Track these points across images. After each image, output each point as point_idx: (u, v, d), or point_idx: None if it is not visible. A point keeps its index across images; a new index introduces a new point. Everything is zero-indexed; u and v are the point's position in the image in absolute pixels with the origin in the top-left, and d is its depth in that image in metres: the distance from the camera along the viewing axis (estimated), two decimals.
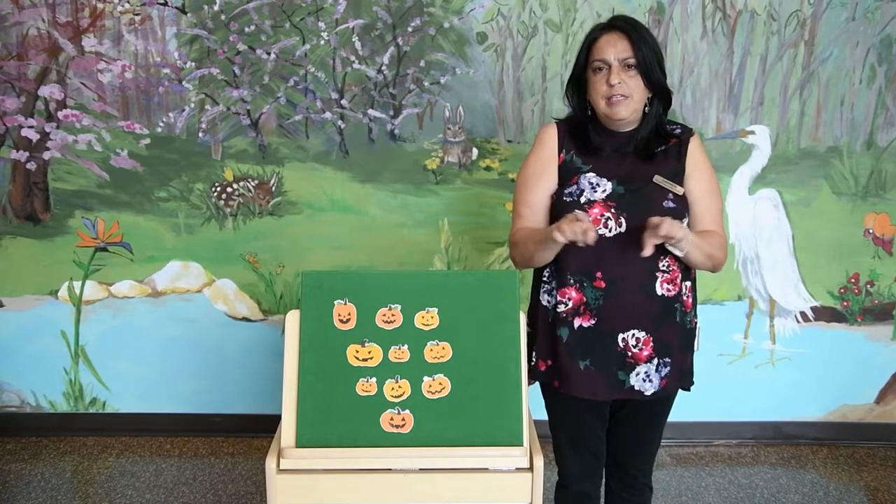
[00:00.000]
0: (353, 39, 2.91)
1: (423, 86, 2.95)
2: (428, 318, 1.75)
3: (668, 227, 1.65)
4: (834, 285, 3.13)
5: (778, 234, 3.07)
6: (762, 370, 3.18)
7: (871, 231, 3.08)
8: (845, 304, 3.14)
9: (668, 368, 1.84)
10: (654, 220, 1.67)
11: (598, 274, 1.78)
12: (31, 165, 3.02)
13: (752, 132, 2.98)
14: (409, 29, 2.90)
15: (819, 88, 2.96)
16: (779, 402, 3.20)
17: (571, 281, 1.81)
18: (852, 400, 3.22)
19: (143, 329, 3.15)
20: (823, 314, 3.16)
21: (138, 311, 3.14)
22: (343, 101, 2.97)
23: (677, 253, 1.76)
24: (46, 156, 3.01)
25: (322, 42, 2.92)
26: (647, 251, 1.69)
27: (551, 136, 1.89)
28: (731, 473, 2.99)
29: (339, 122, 2.99)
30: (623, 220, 1.77)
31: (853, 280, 3.12)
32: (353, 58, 2.93)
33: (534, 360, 1.91)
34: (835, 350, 3.16)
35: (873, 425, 3.23)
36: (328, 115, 2.98)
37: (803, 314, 3.15)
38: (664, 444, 2.06)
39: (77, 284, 3.12)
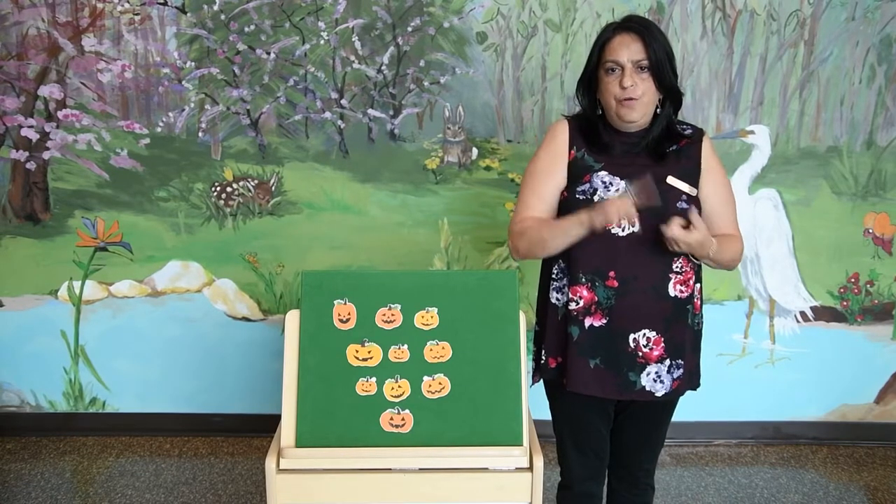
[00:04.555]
0: (353, 39, 2.91)
1: (423, 86, 2.95)
2: (428, 318, 1.75)
3: (677, 234, 1.68)
4: (834, 285, 3.13)
5: (778, 234, 3.07)
6: (762, 370, 3.18)
7: (870, 231, 3.08)
8: (845, 303, 3.14)
9: (682, 370, 1.84)
10: (670, 229, 1.69)
11: (611, 273, 1.78)
12: (31, 165, 3.02)
13: (752, 132, 2.98)
14: (409, 29, 2.90)
15: (819, 88, 2.96)
16: (779, 402, 3.20)
17: (583, 280, 1.80)
18: (852, 400, 3.22)
19: (143, 329, 3.15)
20: (823, 314, 3.16)
21: (138, 311, 3.14)
22: (343, 101, 2.97)
23: (702, 261, 1.80)
24: (46, 155, 3.01)
25: (322, 42, 2.92)
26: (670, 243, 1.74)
27: (563, 132, 1.88)
28: (731, 473, 2.99)
29: (339, 122, 2.99)
30: (636, 219, 1.77)
31: (853, 280, 3.12)
32: (352, 58, 2.93)
33: (543, 357, 1.91)
34: (835, 350, 3.16)
35: (873, 425, 3.23)
36: (328, 114, 2.98)
37: (803, 314, 3.15)
38: (664, 443, 2.06)
39: (77, 284, 3.12)
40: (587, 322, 1.81)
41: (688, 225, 1.71)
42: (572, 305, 1.82)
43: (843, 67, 2.94)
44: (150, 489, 2.82)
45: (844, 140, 3.00)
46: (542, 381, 1.96)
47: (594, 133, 1.85)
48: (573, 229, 1.75)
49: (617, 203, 1.68)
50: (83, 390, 3.20)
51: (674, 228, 1.68)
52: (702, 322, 1.93)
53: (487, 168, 3.02)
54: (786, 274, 3.11)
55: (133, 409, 3.22)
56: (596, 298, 1.80)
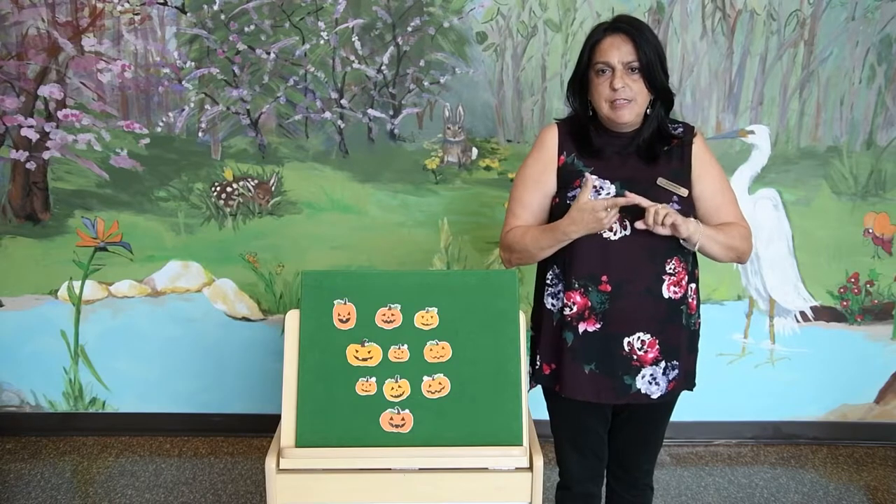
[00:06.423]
0: (353, 39, 2.91)
1: (423, 85, 2.95)
2: (428, 318, 1.75)
3: (663, 216, 1.68)
4: (833, 285, 3.13)
5: (778, 234, 3.07)
6: (762, 370, 3.18)
7: (870, 231, 3.08)
8: (845, 303, 3.14)
9: (677, 371, 1.84)
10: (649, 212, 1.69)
11: (604, 278, 1.77)
12: (31, 165, 3.02)
13: (752, 132, 2.98)
14: (409, 29, 2.90)
15: (819, 88, 2.96)
16: (778, 402, 3.20)
17: (576, 285, 1.80)
18: (852, 400, 3.22)
19: (143, 329, 3.15)
20: (823, 314, 3.15)
21: (138, 311, 3.14)
22: (343, 101, 2.97)
23: (690, 247, 1.77)
24: (46, 155, 3.01)
25: (322, 42, 2.92)
26: (640, 224, 1.73)
27: (552, 138, 1.88)
28: (731, 473, 2.99)
29: (339, 122, 2.99)
30: (628, 223, 1.76)
31: (853, 280, 3.12)
32: (352, 57, 2.93)
33: (538, 363, 1.91)
34: (835, 350, 3.16)
35: (873, 425, 3.23)
36: (328, 114, 2.98)
37: (803, 314, 3.15)
38: (664, 443, 2.06)
39: (77, 284, 3.12)
40: (581, 328, 1.81)
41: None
42: (567, 311, 1.82)
43: (843, 67, 2.94)
44: (150, 489, 2.82)
45: (844, 140, 3.00)
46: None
47: (584, 136, 1.85)
48: (555, 243, 1.78)
49: (588, 212, 1.69)
50: (83, 390, 3.20)
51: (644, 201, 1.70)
52: (699, 322, 1.92)
53: (487, 168, 3.02)
54: (786, 274, 3.11)
55: (133, 409, 3.22)
56: (589, 303, 1.79)
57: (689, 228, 1.72)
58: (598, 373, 1.81)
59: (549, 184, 1.86)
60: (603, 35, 1.79)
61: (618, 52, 1.76)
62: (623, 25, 1.78)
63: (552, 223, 1.81)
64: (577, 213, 1.72)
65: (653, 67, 1.76)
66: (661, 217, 1.68)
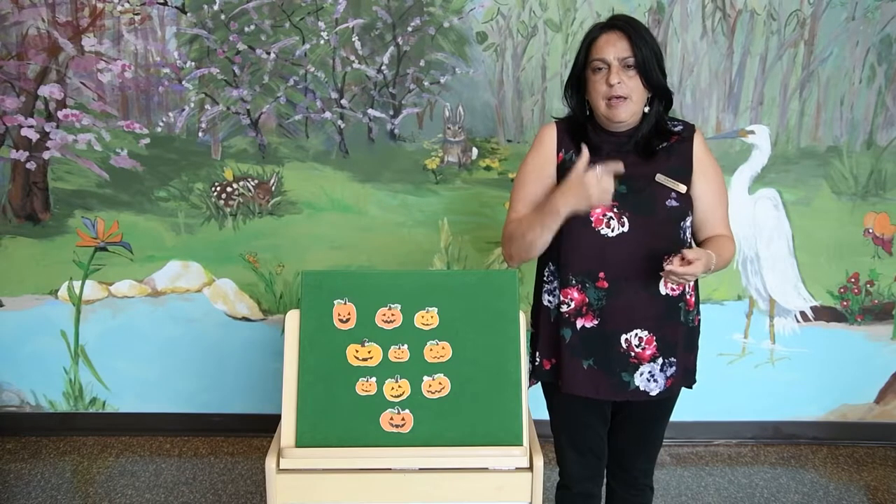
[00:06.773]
0: (353, 39, 2.91)
1: (423, 85, 2.95)
2: (428, 318, 1.75)
3: (692, 269, 1.67)
4: (834, 285, 3.13)
5: (778, 234, 3.07)
6: (762, 370, 3.18)
7: (870, 231, 3.08)
8: (845, 303, 3.14)
9: (674, 368, 1.84)
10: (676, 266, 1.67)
11: (601, 274, 1.78)
12: (31, 165, 3.02)
13: (752, 132, 2.98)
14: (409, 29, 2.90)
15: (819, 88, 2.96)
16: (778, 402, 3.20)
17: (573, 281, 1.80)
18: (852, 400, 3.22)
19: (143, 329, 3.15)
20: (823, 314, 3.16)
21: (138, 311, 3.14)
22: (343, 101, 2.97)
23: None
24: (46, 155, 3.01)
25: (322, 42, 2.92)
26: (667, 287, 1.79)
27: (550, 136, 1.88)
28: (731, 473, 2.99)
29: (339, 122, 2.99)
30: (626, 219, 1.77)
31: (853, 280, 3.12)
32: (352, 57, 2.93)
33: (538, 359, 1.91)
34: (835, 350, 3.16)
35: (873, 425, 3.23)
36: (328, 114, 2.98)
37: (803, 314, 3.15)
38: (664, 443, 2.06)
39: (77, 284, 3.12)
40: (579, 323, 1.81)
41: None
42: (563, 308, 1.82)
43: (843, 67, 2.94)
44: (150, 489, 2.82)
45: (844, 140, 3.00)
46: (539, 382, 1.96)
47: (582, 134, 1.85)
48: (547, 220, 1.74)
49: (577, 180, 1.67)
50: (83, 390, 3.20)
51: (675, 267, 1.66)
52: (698, 318, 1.92)
53: (487, 168, 3.02)
54: (786, 274, 3.11)
55: (133, 409, 3.22)
56: (587, 300, 1.80)
57: (707, 269, 1.73)
58: (596, 369, 1.81)
59: (549, 179, 1.86)
60: (599, 33, 1.80)
61: (613, 48, 1.76)
62: (619, 23, 1.79)
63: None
64: (567, 183, 1.70)
65: (648, 64, 1.77)
66: (683, 273, 1.68)
